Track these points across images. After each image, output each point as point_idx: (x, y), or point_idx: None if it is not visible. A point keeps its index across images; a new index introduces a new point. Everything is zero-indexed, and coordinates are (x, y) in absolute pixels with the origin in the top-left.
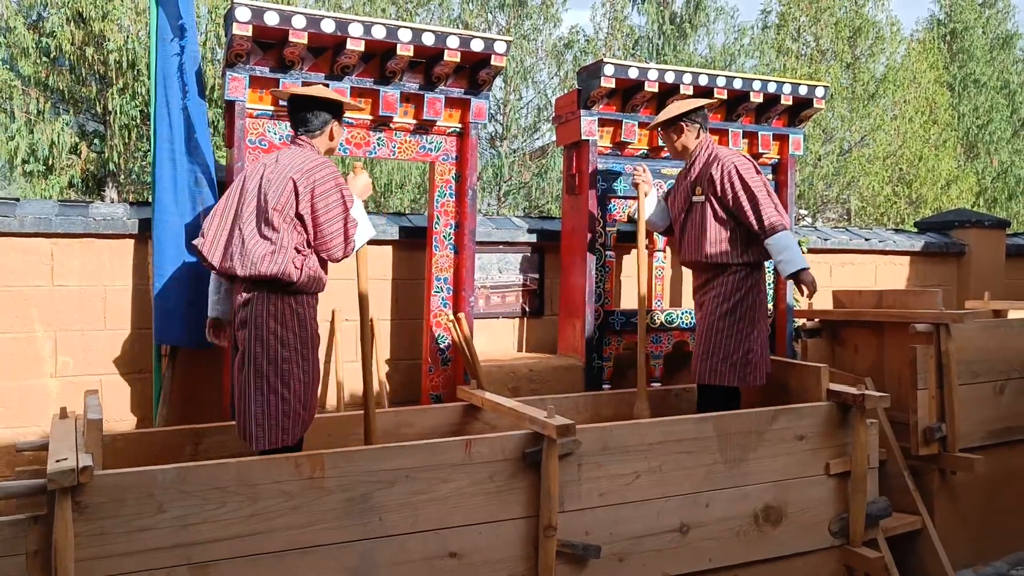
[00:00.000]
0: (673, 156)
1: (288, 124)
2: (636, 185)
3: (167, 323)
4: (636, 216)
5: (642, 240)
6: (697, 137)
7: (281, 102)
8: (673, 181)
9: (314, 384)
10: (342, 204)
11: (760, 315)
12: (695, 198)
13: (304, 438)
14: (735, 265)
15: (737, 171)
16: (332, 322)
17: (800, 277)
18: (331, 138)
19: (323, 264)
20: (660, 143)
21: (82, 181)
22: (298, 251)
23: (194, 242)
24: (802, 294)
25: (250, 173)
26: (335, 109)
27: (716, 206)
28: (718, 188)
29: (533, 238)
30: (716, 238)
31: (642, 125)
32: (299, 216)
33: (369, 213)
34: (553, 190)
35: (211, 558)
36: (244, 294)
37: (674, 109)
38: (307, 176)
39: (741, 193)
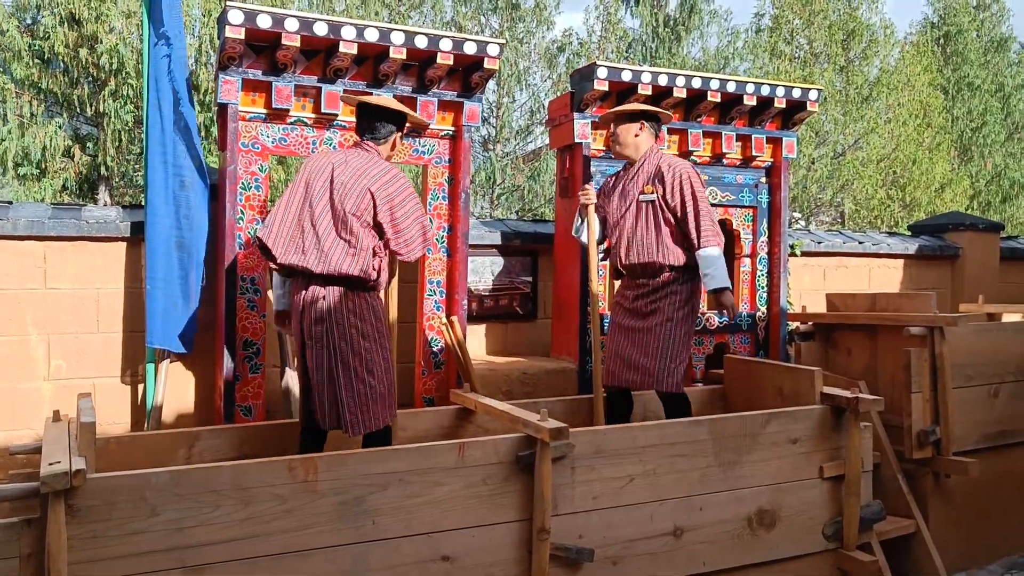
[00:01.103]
0: (615, 152)
1: (281, 128)
2: (585, 206)
3: (158, 326)
4: (583, 234)
5: (594, 259)
6: (650, 142)
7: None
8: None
9: (392, 370)
10: (419, 210)
11: (695, 322)
12: (644, 196)
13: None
14: (688, 270)
15: (689, 178)
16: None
17: (722, 296)
18: (393, 147)
19: (392, 262)
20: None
21: (76, 184)
22: (375, 253)
23: (258, 233)
24: (721, 313)
25: (314, 170)
26: (401, 121)
27: (663, 207)
28: (667, 189)
29: (526, 241)
30: (670, 240)
31: None
32: (378, 224)
33: None
34: (546, 193)
35: (204, 561)
36: (317, 291)
37: (631, 105)
38: (384, 188)
39: (689, 200)
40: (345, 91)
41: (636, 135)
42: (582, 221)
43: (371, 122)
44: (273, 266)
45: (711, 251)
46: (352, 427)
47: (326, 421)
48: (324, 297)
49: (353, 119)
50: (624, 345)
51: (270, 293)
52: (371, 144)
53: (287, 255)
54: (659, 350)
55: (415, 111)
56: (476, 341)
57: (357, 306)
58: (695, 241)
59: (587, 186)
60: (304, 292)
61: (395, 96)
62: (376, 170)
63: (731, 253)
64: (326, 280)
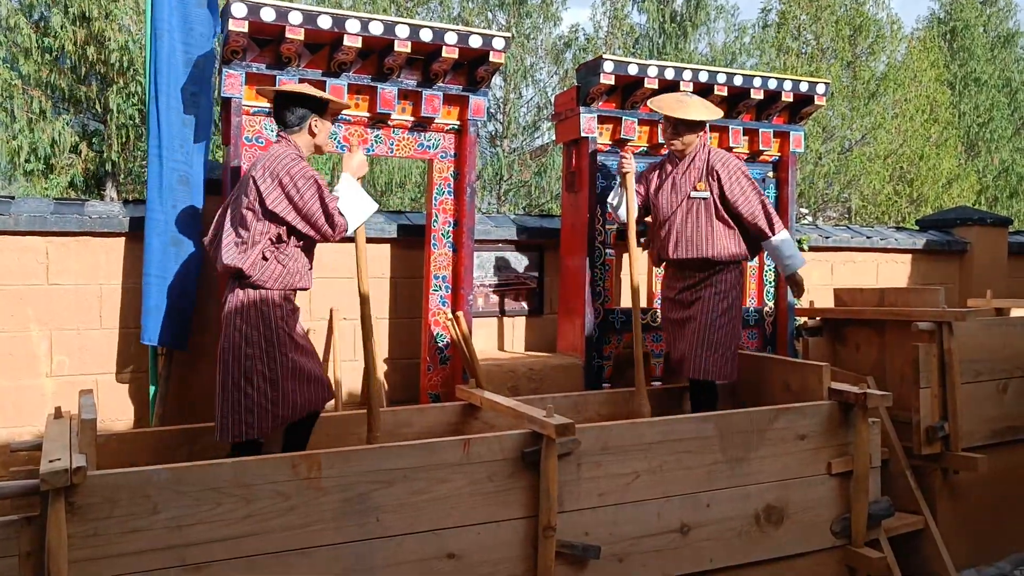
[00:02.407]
0: (672, 147)
1: None
2: (624, 173)
3: (152, 322)
4: (616, 208)
5: (633, 231)
6: (699, 137)
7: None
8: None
9: (283, 381)
10: (313, 183)
11: (741, 313)
12: (696, 193)
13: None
14: (732, 263)
15: (745, 173)
16: (330, 321)
17: (797, 275)
18: (311, 134)
19: (308, 255)
20: (662, 137)
21: (83, 180)
22: (272, 242)
23: (204, 241)
24: (795, 293)
25: (243, 176)
26: (315, 104)
27: (718, 203)
28: (726, 187)
29: (532, 236)
30: (720, 236)
31: (642, 122)
32: (270, 211)
33: None
34: (553, 189)
35: (206, 559)
36: (226, 292)
37: (698, 111)
38: (268, 171)
39: (752, 193)
40: (258, 88)
41: (694, 136)
42: (621, 194)
43: (281, 111)
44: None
45: (786, 237)
46: (220, 432)
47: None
48: (225, 299)
49: (358, 113)
50: (673, 337)
51: None
52: (284, 134)
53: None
54: (695, 337)
55: (420, 105)
56: (482, 337)
57: (244, 307)
58: (767, 230)
59: (626, 152)
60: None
61: (400, 90)
62: (267, 159)
63: None
64: (228, 279)
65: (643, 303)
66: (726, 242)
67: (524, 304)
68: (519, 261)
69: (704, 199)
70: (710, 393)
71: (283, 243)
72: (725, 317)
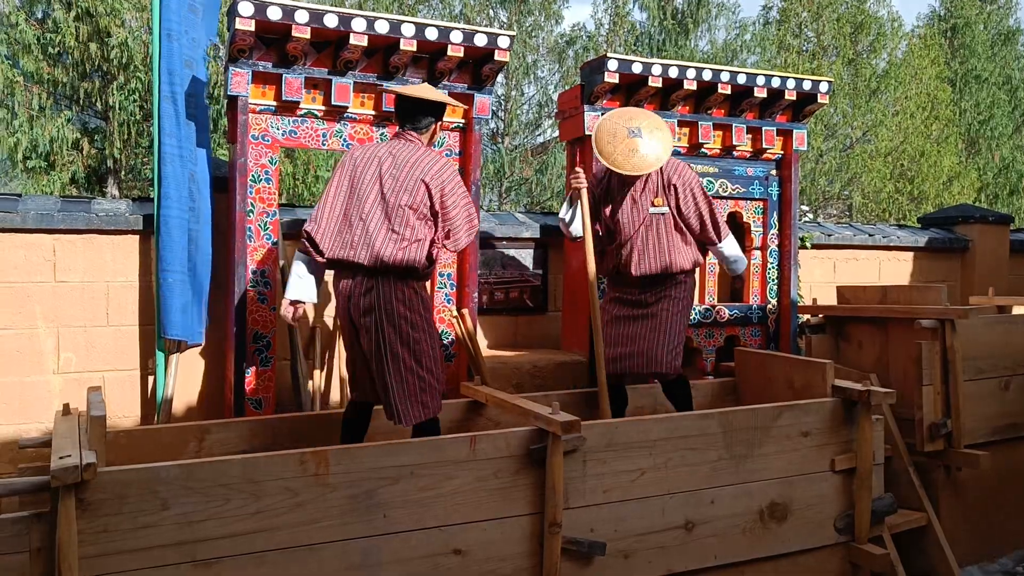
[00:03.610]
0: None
1: (291, 120)
2: (577, 189)
3: (176, 318)
4: (574, 225)
5: (590, 246)
6: None
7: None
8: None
9: (442, 357)
10: (467, 197)
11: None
12: (655, 209)
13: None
14: (689, 271)
15: (699, 185)
16: (336, 318)
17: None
18: (432, 136)
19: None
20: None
21: (84, 177)
22: (432, 243)
23: (306, 228)
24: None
25: (360, 163)
26: (440, 111)
27: (675, 216)
28: (682, 199)
29: (536, 233)
30: (679, 247)
31: None
32: (434, 214)
33: None
34: (555, 186)
35: (215, 555)
36: (366, 282)
37: (659, 151)
38: (437, 177)
39: (703, 203)
40: (356, 82)
41: None
42: (574, 210)
43: (412, 113)
44: (319, 260)
45: (730, 242)
46: (403, 417)
47: (384, 408)
48: (373, 288)
49: (363, 111)
50: (624, 332)
51: (280, 285)
52: (413, 134)
53: (334, 250)
54: (663, 333)
55: None
56: (486, 334)
57: (406, 296)
58: (715, 237)
59: (578, 169)
60: (351, 281)
61: None
62: (427, 160)
63: (742, 246)
64: (373, 273)
65: None
66: (685, 252)
67: (528, 301)
68: (523, 259)
69: (663, 214)
70: (686, 385)
71: (433, 241)
72: (684, 316)
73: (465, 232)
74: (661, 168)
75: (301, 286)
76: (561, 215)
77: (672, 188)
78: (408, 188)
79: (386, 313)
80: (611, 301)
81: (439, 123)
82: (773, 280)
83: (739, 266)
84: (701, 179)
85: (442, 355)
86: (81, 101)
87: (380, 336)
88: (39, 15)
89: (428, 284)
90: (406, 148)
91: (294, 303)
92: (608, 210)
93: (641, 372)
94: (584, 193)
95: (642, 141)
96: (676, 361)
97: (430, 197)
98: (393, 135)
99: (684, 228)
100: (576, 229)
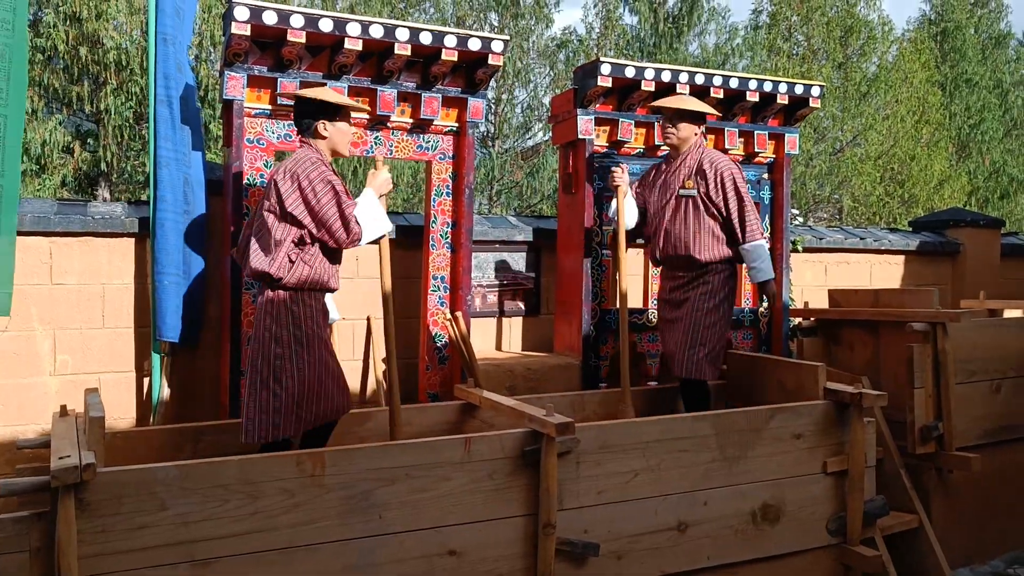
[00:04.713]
0: (668, 143)
1: (286, 124)
2: (616, 187)
3: (171, 320)
4: (614, 218)
5: (623, 242)
6: (696, 135)
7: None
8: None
9: (313, 381)
10: (330, 188)
11: (731, 313)
12: (684, 191)
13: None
14: (722, 263)
15: (732, 174)
16: (368, 327)
17: (768, 287)
18: (321, 136)
19: (331, 257)
20: (659, 138)
21: (74, 180)
22: (296, 244)
23: (231, 252)
24: (766, 302)
25: (268, 179)
26: (318, 107)
27: (706, 202)
28: (711, 186)
29: (529, 237)
30: (707, 236)
31: (638, 124)
32: (289, 214)
33: None
34: (544, 189)
35: (212, 555)
36: (258, 294)
37: (695, 104)
38: (288, 174)
39: (732, 196)
40: (351, 87)
41: (696, 133)
42: (616, 205)
43: (296, 118)
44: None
45: (758, 245)
46: (246, 434)
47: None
48: (255, 301)
49: (359, 115)
50: (665, 336)
51: None
52: (304, 140)
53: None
54: (683, 336)
55: (419, 107)
56: (479, 337)
57: (274, 307)
58: (740, 235)
59: (616, 168)
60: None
61: (399, 92)
62: (289, 162)
63: None
64: (258, 283)
65: (639, 303)
66: (711, 242)
67: (521, 304)
68: (516, 261)
69: (691, 197)
70: (700, 392)
71: (305, 245)
72: (712, 316)
73: (338, 227)
74: (701, 154)
75: None
76: (608, 213)
77: (703, 173)
78: (268, 191)
79: (255, 324)
80: (658, 302)
81: (324, 120)
82: None
83: (758, 275)
84: (742, 176)
85: (315, 378)
86: (73, 104)
87: (252, 346)
88: (29, 18)
89: (307, 298)
90: (294, 154)
91: None
92: (648, 191)
93: (673, 374)
94: (622, 191)
95: (689, 96)
96: (693, 363)
97: (279, 196)
98: None
99: (717, 216)
100: (628, 221)
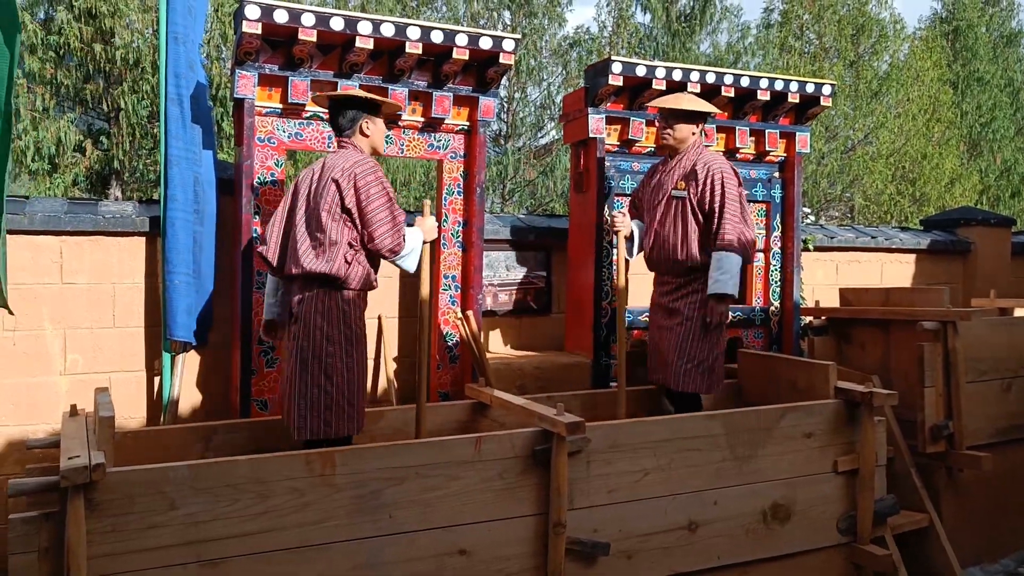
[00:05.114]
0: (660, 144)
1: (297, 123)
2: (616, 232)
3: (182, 320)
4: (615, 257)
5: (622, 278)
6: (694, 135)
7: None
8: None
9: (360, 380)
10: (385, 194)
11: (725, 324)
12: (675, 192)
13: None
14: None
15: (722, 176)
16: (379, 326)
17: (719, 303)
18: (364, 134)
19: (373, 263)
20: (655, 139)
21: (86, 179)
22: (350, 246)
23: (257, 249)
24: (708, 316)
25: (301, 179)
26: (364, 105)
27: (694, 205)
28: (699, 186)
29: (541, 236)
30: (695, 239)
31: (649, 123)
32: (347, 210)
33: None
34: (558, 188)
35: (222, 555)
36: (298, 293)
37: (696, 103)
38: (347, 173)
39: (718, 198)
40: (361, 85)
41: (694, 133)
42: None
43: (335, 118)
44: (271, 275)
45: (726, 254)
46: (298, 431)
47: (289, 425)
48: (300, 300)
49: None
50: (655, 343)
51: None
52: (344, 139)
53: (279, 264)
54: (675, 349)
55: (430, 106)
56: (490, 335)
57: (325, 307)
58: (712, 240)
59: (615, 213)
60: (292, 296)
61: (411, 91)
62: (343, 160)
63: None
64: (305, 282)
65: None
66: (697, 246)
67: (532, 303)
68: (527, 260)
69: (682, 198)
70: (693, 405)
71: (356, 246)
72: (704, 329)
73: (385, 232)
74: (696, 156)
75: (272, 307)
76: (614, 256)
77: (695, 174)
78: (322, 189)
79: (304, 323)
80: (652, 304)
81: (366, 118)
82: (776, 282)
83: (714, 285)
84: (735, 180)
85: (362, 376)
86: (87, 103)
87: (297, 346)
88: (42, 16)
89: (356, 298)
90: (336, 155)
91: (267, 324)
92: (644, 196)
93: (667, 385)
94: (622, 237)
95: (687, 95)
96: (686, 377)
97: (340, 193)
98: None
99: (705, 221)
100: (634, 257)
